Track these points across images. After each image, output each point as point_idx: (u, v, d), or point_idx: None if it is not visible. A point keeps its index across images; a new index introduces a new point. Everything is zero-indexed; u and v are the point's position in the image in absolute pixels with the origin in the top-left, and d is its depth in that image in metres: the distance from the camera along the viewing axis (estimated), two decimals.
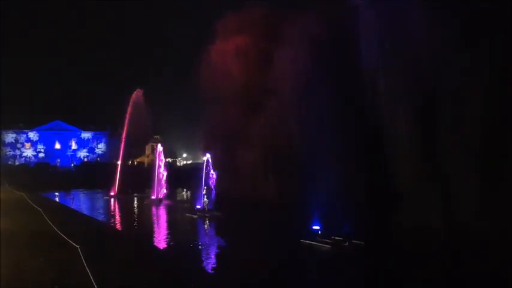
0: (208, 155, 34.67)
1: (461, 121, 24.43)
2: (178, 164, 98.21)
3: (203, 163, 35.27)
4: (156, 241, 21.69)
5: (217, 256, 18.45)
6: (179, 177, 56.04)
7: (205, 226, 27.58)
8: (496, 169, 23.43)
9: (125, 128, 51.18)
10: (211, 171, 34.12)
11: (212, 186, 34.00)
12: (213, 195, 33.63)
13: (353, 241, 19.00)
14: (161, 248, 19.66)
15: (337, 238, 19.42)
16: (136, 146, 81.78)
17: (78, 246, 12.76)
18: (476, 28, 24.45)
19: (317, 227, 20.76)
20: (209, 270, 15.47)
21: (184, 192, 55.90)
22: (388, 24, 28.69)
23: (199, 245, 21.09)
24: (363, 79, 29.82)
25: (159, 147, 44.51)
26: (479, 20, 24.42)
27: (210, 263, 16.91)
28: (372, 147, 28.28)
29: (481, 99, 23.44)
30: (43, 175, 65.46)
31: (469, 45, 24.52)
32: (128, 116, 50.63)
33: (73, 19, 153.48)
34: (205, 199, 32.71)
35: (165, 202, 40.40)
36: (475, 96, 23.84)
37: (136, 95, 50.67)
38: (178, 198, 50.02)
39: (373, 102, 28.90)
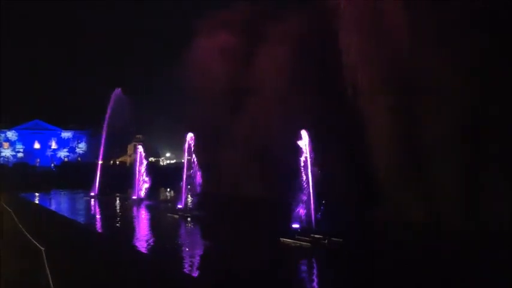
0: (190, 134, 33.24)
1: (441, 117, 24.58)
2: (161, 163, 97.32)
3: (184, 161, 34.53)
4: (132, 242, 21.14)
5: (195, 257, 18.08)
6: (162, 176, 55.31)
7: (186, 226, 27.16)
8: (477, 165, 23.65)
9: (105, 128, 49.98)
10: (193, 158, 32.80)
11: (195, 185, 33.43)
12: (195, 195, 33.15)
13: (332, 239, 18.81)
14: (137, 248, 19.18)
15: (316, 236, 19.22)
16: (119, 145, 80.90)
17: (43, 249, 12.22)
18: (454, 26, 24.65)
19: (297, 225, 20.54)
20: (185, 272, 15.06)
21: (167, 192, 55.30)
22: (368, 23, 28.77)
23: (178, 246, 20.64)
24: (343, 77, 29.82)
25: (140, 149, 43.90)
26: (457, 19, 24.62)
27: (187, 264, 16.50)
28: (353, 143, 28.33)
29: (459, 96, 23.66)
30: (22, 175, 64.01)
31: (446, 44, 24.72)
32: (107, 115, 49.40)
33: (53, 15, 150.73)
34: (188, 198, 32.27)
35: (147, 202, 39.79)
36: (454, 93, 24.03)
37: (117, 94, 49.44)
38: (160, 198, 49.45)
39: (354, 100, 28.92)
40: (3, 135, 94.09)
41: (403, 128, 26.02)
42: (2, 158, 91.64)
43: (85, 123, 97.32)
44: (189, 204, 32.54)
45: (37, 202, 41.32)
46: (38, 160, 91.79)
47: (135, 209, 36.55)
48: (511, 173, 22.16)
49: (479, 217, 22.18)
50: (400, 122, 26.22)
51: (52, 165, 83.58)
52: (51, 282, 8.78)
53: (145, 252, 18.48)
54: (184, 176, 32.93)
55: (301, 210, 20.43)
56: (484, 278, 14.70)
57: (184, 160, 34.02)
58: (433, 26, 25.46)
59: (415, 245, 20.41)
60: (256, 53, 41.31)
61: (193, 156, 32.11)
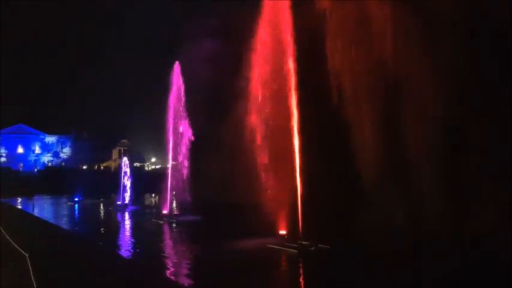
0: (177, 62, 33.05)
1: (423, 122, 24.90)
2: (146, 168, 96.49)
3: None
4: (115, 248, 20.84)
5: (177, 264, 17.87)
6: (147, 182, 54.95)
7: (171, 232, 26.95)
8: (458, 169, 23.98)
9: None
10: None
11: (181, 191, 33.23)
12: (181, 201, 32.99)
13: (319, 245, 18.76)
14: (120, 254, 18.94)
15: (303, 242, 19.16)
16: (103, 150, 79.96)
17: (27, 255, 11.99)
18: (440, 34, 24.99)
19: (284, 232, 20.50)
20: (167, 279, 14.85)
21: (151, 198, 54.90)
22: (354, 29, 29.02)
23: (163, 253, 20.39)
24: (329, 81, 29.94)
25: (125, 160, 44.16)
26: (440, 22, 24.98)
27: (169, 271, 16.29)
28: (337, 147, 28.52)
29: (442, 100, 24.00)
30: (4, 180, 62.90)
31: (432, 51, 25.05)
32: None
33: (36, 16, 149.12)
34: (173, 204, 32.10)
35: (131, 208, 39.47)
36: (437, 97, 24.37)
37: None
38: (145, 203, 49.10)
39: (338, 104, 29.04)
40: None
41: (388, 134, 26.22)
42: None
43: (69, 127, 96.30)
44: (174, 209, 32.34)
45: (20, 207, 40.67)
46: (21, 165, 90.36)
47: (119, 214, 36.20)
48: (493, 177, 22.49)
49: (461, 221, 22.40)
50: (384, 128, 26.42)
51: (35, 170, 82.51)
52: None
53: (129, 258, 18.25)
54: (169, 181, 32.81)
55: (289, 216, 20.43)
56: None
57: (169, 165, 33.93)
58: (419, 33, 25.75)
59: (399, 250, 20.38)
60: (243, 58, 41.33)
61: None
